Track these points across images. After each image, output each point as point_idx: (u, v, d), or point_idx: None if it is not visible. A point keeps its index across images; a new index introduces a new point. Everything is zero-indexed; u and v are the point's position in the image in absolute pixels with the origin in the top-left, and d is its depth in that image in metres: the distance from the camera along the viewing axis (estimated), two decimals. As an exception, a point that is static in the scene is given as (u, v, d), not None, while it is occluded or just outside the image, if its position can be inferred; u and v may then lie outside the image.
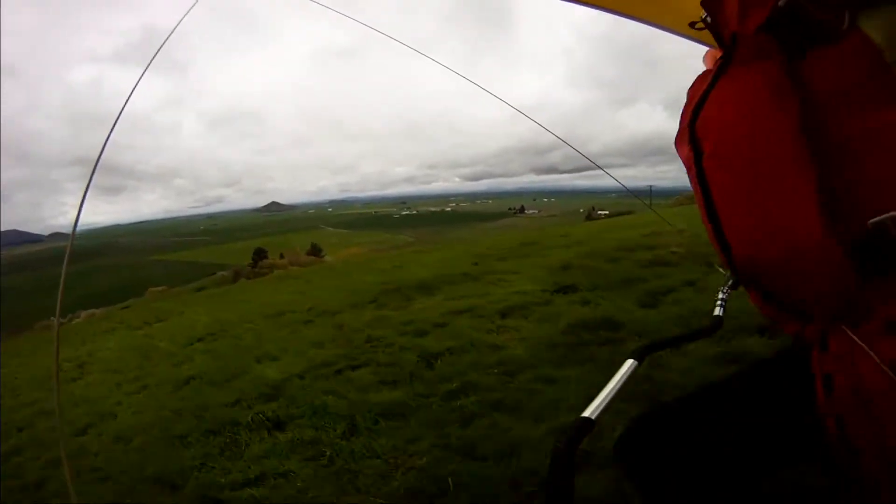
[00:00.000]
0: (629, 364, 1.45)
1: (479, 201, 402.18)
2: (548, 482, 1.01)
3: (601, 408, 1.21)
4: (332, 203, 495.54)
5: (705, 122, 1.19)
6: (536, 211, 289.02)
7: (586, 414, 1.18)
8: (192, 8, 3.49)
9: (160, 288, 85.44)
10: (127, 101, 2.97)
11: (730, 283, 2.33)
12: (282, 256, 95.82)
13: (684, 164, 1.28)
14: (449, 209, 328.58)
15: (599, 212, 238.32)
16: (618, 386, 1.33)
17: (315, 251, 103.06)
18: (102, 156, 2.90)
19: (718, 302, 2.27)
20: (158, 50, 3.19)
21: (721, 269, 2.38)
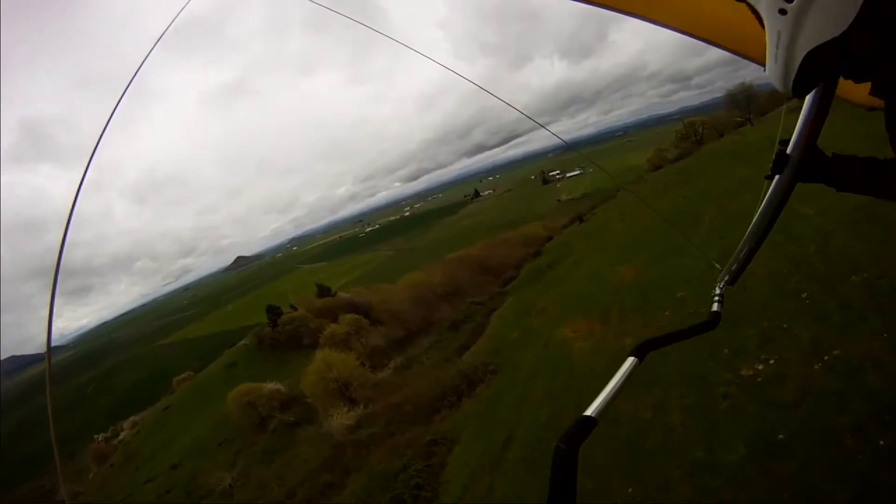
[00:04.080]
0: (630, 362, 1.66)
1: (429, 198, 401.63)
2: (551, 481, 1.13)
3: (603, 406, 1.36)
4: (293, 241, 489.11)
5: None
6: (492, 190, 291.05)
7: (589, 412, 1.31)
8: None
9: (184, 375, 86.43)
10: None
11: (725, 279, 2.78)
12: (293, 308, 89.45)
13: None
14: (407, 214, 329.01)
15: (550, 173, 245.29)
16: (619, 384, 1.50)
17: (324, 292, 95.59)
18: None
19: (716, 298, 2.66)
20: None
21: (717, 266, 2.88)
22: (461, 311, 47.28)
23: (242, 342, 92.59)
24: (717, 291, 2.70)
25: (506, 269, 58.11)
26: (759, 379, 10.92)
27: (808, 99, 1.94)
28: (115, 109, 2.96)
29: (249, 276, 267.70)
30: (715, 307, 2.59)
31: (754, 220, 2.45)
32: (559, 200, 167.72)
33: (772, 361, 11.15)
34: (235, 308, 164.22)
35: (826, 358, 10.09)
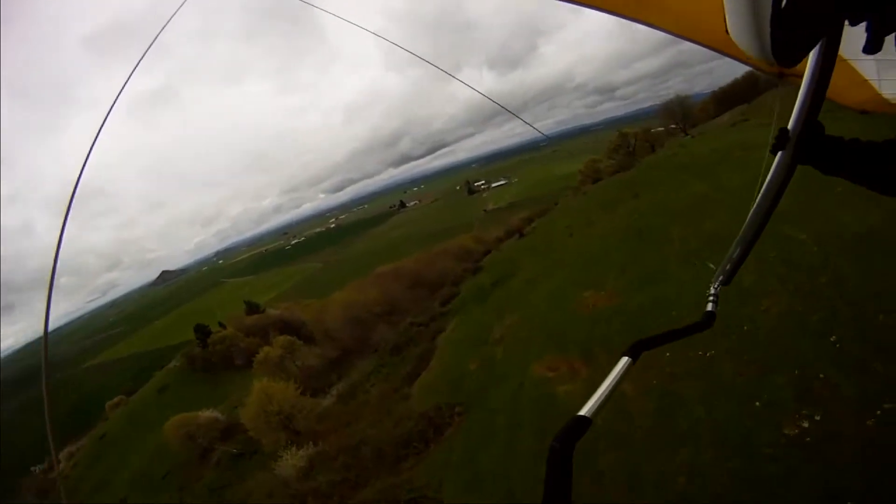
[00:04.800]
0: (624, 362, 1.65)
1: (355, 209, 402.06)
2: (545, 481, 1.14)
3: (597, 406, 1.37)
4: (219, 254, 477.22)
5: None
6: (418, 201, 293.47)
7: (582, 412, 1.32)
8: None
9: (116, 399, 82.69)
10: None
11: (720, 279, 2.73)
12: (222, 326, 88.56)
13: None
14: (333, 225, 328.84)
15: (476, 183, 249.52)
16: (613, 384, 1.49)
17: (253, 309, 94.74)
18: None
19: (710, 298, 2.63)
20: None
21: (711, 266, 2.83)
22: (401, 333, 45.09)
23: (173, 363, 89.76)
24: (712, 291, 2.63)
25: (442, 285, 56.56)
26: (808, 438, 9.85)
27: (807, 71, 1.83)
28: (108, 114, 3.11)
29: (176, 290, 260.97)
30: (709, 307, 2.52)
31: (751, 212, 2.37)
32: (486, 210, 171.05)
33: (817, 417, 10.16)
34: (164, 324, 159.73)
35: (878, 412, 9.29)
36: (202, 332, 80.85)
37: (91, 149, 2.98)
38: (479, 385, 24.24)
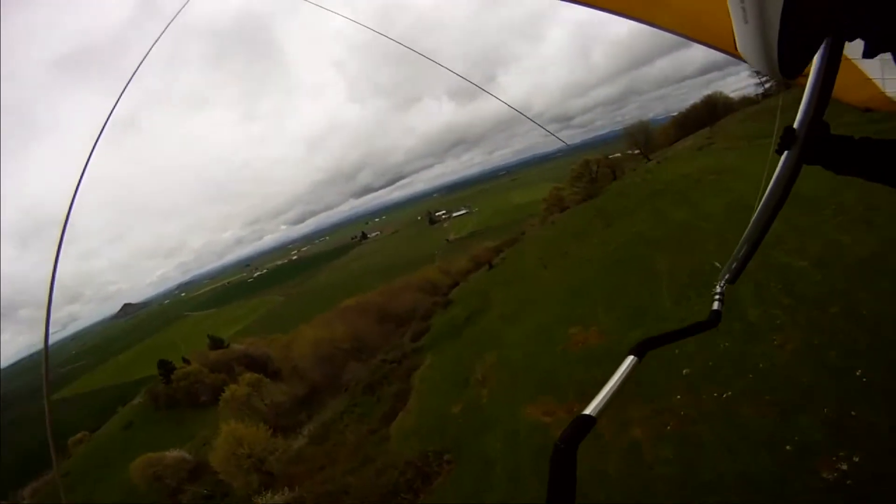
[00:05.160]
0: (629, 361, 1.64)
1: (317, 241, 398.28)
2: (549, 480, 1.13)
3: (602, 405, 1.35)
4: (181, 286, 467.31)
5: None
6: (379, 232, 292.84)
7: (587, 411, 1.31)
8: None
9: (79, 436, 79.97)
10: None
11: (726, 277, 2.74)
12: (186, 361, 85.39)
13: None
14: (295, 257, 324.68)
15: (437, 213, 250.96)
16: (618, 383, 1.48)
17: (217, 344, 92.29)
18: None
19: (716, 297, 2.61)
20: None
21: (718, 265, 2.83)
22: (373, 370, 43.81)
23: (137, 399, 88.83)
24: (718, 290, 2.61)
25: (411, 319, 56.05)
26: (849, 481, 9.19)
27: (812, 70, 1.79)
28: (98, 137, 3.14)
29: (139, 324, 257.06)
30: (715, 305, 2.50)
31: (756, 212, 2.33)
32: (448, 240, 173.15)
33: (856, 458, 9.52)
34: (127, 359, 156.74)
35: (921, 450, 8.64)
36: (165, 367, 79.26)
37: (84, 171, 3.09)
38: (465, 430, 23.08)
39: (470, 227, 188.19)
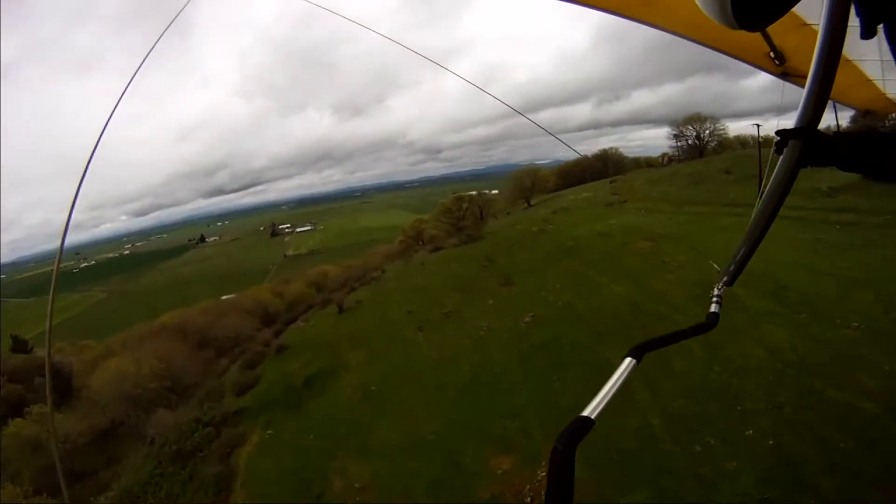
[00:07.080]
0: (627, 363, 1.53)
1: (152, 238, 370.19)
2: (548, 482, 1.10)
3: (600, 407, 1.31)
4: (4, 267, 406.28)
5: None
6: (218, 237, 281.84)
7: (585, 413, 1.28)
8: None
9: None
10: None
11: (724, 279, 2.45)
12: None
13: None
14: (127, 252, 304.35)
15: (281, 226, 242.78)
16: (617, 385, 1.41)
17: (20, 346, 70.93)
18: None
19: (714, 299, 2.37)
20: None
21: (716, 267, 2.55)
22: (184, 431, 31.97)
23: None
24: (716, 292, 2.43)
25: (234, 347, 50.47)
26: None
27: (811, 71, 1.82)
28: (114, 109, 3.54)
29: None
30: (713, 308, 2.34)
31: (755, 211, 2.32)
32: (286, 255, 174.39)
33: None
34: None
35: None
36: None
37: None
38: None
39: (311, 244, 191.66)
